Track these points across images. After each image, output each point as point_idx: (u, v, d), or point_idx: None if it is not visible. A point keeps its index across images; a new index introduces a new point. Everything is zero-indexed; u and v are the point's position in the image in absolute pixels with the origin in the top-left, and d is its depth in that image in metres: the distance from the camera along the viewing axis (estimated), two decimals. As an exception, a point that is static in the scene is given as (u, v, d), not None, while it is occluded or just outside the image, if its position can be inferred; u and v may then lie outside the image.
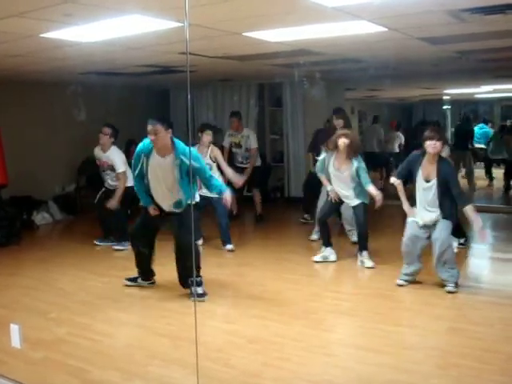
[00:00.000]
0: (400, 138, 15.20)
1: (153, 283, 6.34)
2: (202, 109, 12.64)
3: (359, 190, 6.96)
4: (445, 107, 18.42)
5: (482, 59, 8.66)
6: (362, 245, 7.06)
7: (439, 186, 5.81)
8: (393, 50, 7.39)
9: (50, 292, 6.25)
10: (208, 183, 5.87)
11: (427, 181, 5.88)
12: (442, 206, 5.82)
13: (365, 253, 7.00)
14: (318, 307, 5.58)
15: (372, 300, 5.87)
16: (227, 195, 5.78)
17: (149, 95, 12.59)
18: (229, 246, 7.93)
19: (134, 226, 6.26)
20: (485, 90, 15.90)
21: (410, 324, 5.06)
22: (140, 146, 5.81)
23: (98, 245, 8.39)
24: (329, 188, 7.17)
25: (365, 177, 6.88)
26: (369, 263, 6.90)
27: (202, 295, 5.78)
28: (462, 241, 7.57)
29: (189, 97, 11.93)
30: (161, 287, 6.36)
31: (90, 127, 10.55)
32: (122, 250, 8.02)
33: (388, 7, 4.87)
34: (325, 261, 7.10)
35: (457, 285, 5.81)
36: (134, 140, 9.45)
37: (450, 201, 5.79)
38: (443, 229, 5.80)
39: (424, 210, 5.93)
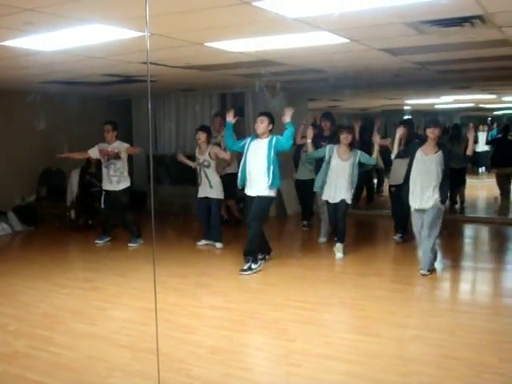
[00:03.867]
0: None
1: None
2: (164, 118, 12.62)
3: (349, 186, 7.84)
4: (405, 117, 18.62)
5: (441, 70, 8.81)
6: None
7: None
8: (354, 60, 7.48)
9: (10, 305, 6.13)
10: None
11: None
12: None
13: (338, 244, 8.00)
14: (280, 317, 5.57)
15: (334, 309, 5.90)
16: None
17: (110, 105, 12.51)
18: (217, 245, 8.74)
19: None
20: (444, 101, 16.15)
21: (373, 332, 5.07)
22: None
23: (98, 243, 9.08)
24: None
25: (367, 157, 7.90)
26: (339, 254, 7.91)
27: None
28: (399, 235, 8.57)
29: (149, 106, 11.88)
30: (121, 297, 6.31)
31: (50, 137, 10.45)
32: (135, 246, 8.84)
33: (349, 19, 4.92)
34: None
35: None
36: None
37: None
38: None
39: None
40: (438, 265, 7.08)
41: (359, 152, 7.82)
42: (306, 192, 9.72)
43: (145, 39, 4.95)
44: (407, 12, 4.77)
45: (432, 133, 6.72)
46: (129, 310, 5.94)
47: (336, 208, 7.91)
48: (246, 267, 7.15)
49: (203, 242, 8.83)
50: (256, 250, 7.28)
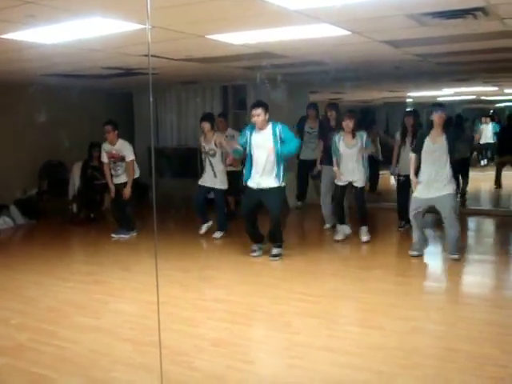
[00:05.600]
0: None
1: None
2: (166, 111, 12.62)
3: (362, 170, 8.01)
4: (408, 109, 18.63)
5: (443, 62, 8.79)
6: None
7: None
8: (356, 53, 7.46)
9: (14, 299, 6.13)
10: None
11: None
12: None
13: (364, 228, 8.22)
14: (283, 309, 5.58)
15: (338, 302, 5.90)
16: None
17: (111, 98, 12.50)
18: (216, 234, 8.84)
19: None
20: (446, 93, 16.12)
21: (376, 325, 5.08)
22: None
23: (113, 237, 8.98)
24: (335, 169, 8.17)
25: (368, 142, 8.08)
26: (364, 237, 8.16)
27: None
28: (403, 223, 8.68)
29: (151, 99, 11.88)
30: (125, 291, 6.32)
31: (51, 130, 10.44)
32: (127, 238, 8.95)
33: (350, 11, 4.91)
34: (346, 238, 8.29)
35: None
36: (97, 143, 9.42)
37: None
38: None
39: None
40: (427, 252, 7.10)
41: (364, 135, 7.97)
42: (307, 172, 10.15)
43: (146, 32, 4.93)
44: (408, 4, 4.76)
45: (439, 118, 6.72)
46: (132, 303, 5.95)
47: (355, 195, 8.17)
48: (276, 252, 7.41)
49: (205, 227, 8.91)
50: (281, 236, 7.48)
